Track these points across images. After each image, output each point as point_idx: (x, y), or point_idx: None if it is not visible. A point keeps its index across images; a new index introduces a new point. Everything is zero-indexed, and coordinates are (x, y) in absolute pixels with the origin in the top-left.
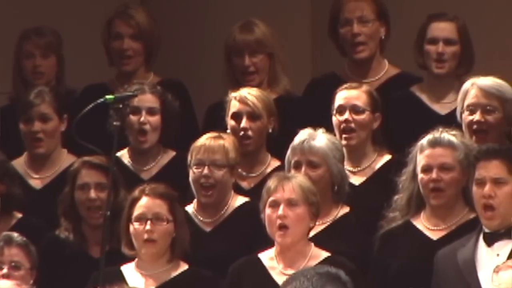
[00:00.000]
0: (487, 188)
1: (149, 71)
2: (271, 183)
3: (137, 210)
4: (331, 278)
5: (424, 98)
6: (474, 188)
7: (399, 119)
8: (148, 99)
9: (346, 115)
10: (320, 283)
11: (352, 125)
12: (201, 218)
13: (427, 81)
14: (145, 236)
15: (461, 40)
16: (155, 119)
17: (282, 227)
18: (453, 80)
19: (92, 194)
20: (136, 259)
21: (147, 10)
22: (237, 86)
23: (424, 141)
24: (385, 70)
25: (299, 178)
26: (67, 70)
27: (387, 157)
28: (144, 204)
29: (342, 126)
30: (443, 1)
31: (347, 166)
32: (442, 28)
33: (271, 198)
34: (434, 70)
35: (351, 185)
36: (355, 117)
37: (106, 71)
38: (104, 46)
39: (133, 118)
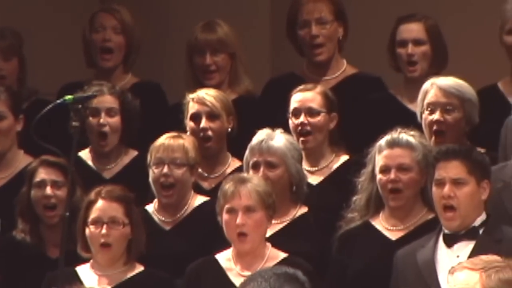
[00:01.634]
0: (446, 188)
1: (127, 72)
2: (228, 187)
3: (93, 213)
4: (289, 279)
5: (401, 99)
6: (434, 189)
7: (377, 120)
8: (107, 100)
9: (302, 118)
10: (278, 283)
11: (308, 128)
12: (161, 217)
13: (403, 82)
14: (101, 240)
15: (430, 40)
16: (115, 120)
17: (241, 234)
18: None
19: (48, 191)
20: (92, 260)
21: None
22: (198, 85)
23: (382, 141)
24: (343, 69)
25: (254, 182)
26: (41, 71)
27: (344, 157)
28: (100, 207)
29: (298, 129)
30: (408, 1)
31: (305, 166)
32: (411, 29)
33: (228, 205)
34: (407, 75)
35: (309, 185)
36: (311, 119)
37: (83, 72)
38: (83, 43)
39: (92, 120)
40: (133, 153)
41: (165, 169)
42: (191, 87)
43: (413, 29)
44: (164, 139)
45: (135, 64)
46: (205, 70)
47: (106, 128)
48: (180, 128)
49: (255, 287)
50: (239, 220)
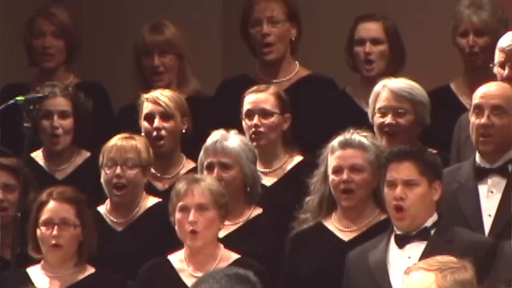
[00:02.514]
0: (398, 189)
1: (69, 72)
2: (181, 186)
3: (45, 215)
4: (240, 280)
5: (356, 98)
6: (386, 190)
7: (332, 119)
8: (59, 103)
9: (255, 119)
10: (229, 284)
11: (262, 129)
12: (113, 218)
13: (359, 82)
14: (52, 241)
15: (388, 40)
16: (67, 122)
17: (193, 232)
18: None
19: (0, 195)
20: (43, 262)
21: (68, 8)
22: (146, 87)
23: (335, 142)
24: (296, 71)
25: (208, 181)
26: None
27: (298, 158)
28: (51, 208)
29: (251, 131)
30: (364, 3)
31: (259, 167)
32: (369, 29)
33: (180, 203)
34: (364, 73)
35: (263, 186)
36: (264, 121)
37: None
38: (25, 45)
39: (45, 122)
40: (86, 154)
41: (118, 170)
42: (139, 89)
43: (371, 28)
44: (117, 140)
45: (83, 65)
46: (153, 71)
47: (59, 131)
48: (131, 128)
49: None
50: (191, 217)
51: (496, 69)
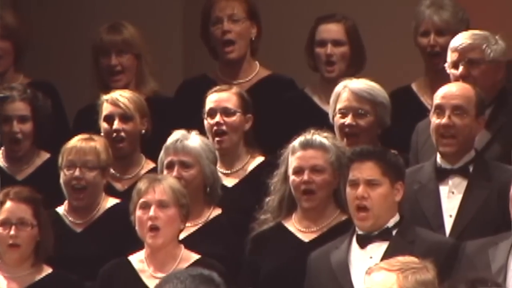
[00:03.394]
0: (360, 189)
1: (19, 72)
2: (142, 184)
3: (2, 215)
4: (204, 280)
5: (316, 99)
6: (348, 190)
7: (291, 120)
8: (18, 107)
9: (217, 118)
10: (193, 285)
11: (224, 127)
12: (72, 219)
13: (319, 83)
14: (10, 241)
15: (349, 41)
16: (27, 126)
17: (153, 228)
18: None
19: None
20: None
21: (14, 9)
22: (104, 87)
23: (296, 143)
24: (256, 71)
25: (169, 180)
26: None
27: (259, 159)
28: (8, 208)
29: (213, 129)
30: (324, 3)
31: (220, 169)
32: (330, 30)
33: (141, 200)
34: (324, 74)
35: (224, 187)
36: (226, 119)
37: None
38: None
39: (4, 127)
40: (45, 155)
41: (77, 172)
42: (97, 89)
43: (332, 30)
44: (76, 141)
45: (39, 66)
46: (110, 71)
47: (19, 135)
48: (91, 129)
49: None
50: (151, 213)
51: (449, 70)
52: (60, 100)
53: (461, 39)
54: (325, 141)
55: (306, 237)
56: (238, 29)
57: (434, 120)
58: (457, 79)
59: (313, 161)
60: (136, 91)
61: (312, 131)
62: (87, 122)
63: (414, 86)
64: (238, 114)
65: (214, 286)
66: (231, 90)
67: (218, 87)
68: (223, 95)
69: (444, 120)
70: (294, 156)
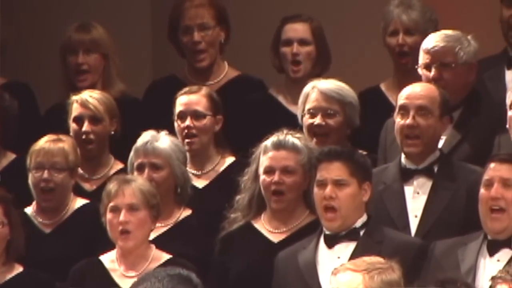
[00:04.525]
0: (328, 189)
1: None
2: (111, 187)
3: None
4: (182, 280)
5: (281, 99)
6: (315, 190)
7: (257, 121)
8: None
9: (188, 121)
10: (171, 284)
11: (194, 131)
12: (41, 220)
13: (285, 83)
14: None
15: (315, 41)
16: None
17: (124, 232)
18: (308, 81)
19: None
20: None
21: None
22: (71, 86)
23: (268, 142)
24: (225, 72)
25: (139, 182)
26: None
27: (230, 159)
28: None
29: (184, 133)
30: (292, 4)
31: (191, 169)
32: (296, 29)
33: (111, 203)
34: (290, 74)
35: (195, 188)
36: (196, 123)
37: None
38: None
39: None
40: (11, 156)
41: (45, 174)
42: (64, 88)
43: (298, 29)
44: (44, 143)
45: (11, 66)
46: (77, 70)
47: None
48: (59, 129)
49: (148, 287)
50: (122, 217)
51: (421, 71)
52: (36, 101)
53: (434, 41)
54: (297, 142)
55: (275, 238)
56: (209, 38)
57: (399, 120)
58: (428, 81)
59: (284, 162)
60: (104, 92)
61: (285, 131)
62: (56, 122)
63: (382, 86)
64: (208, 116)
65: (192, 286)
66: (200, 92)
67: (187, 89)
68: (193, 97)
69: (408, 121)
70: (265, 155)
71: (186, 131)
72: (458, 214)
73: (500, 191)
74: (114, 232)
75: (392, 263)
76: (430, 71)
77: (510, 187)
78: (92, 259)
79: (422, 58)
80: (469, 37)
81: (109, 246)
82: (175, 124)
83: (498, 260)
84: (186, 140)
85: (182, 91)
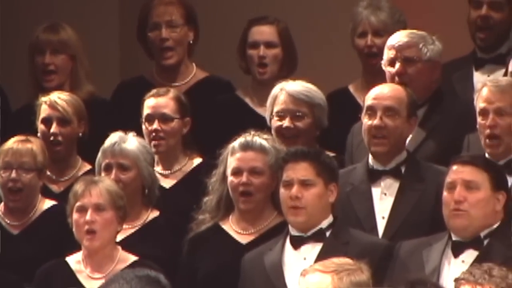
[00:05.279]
0: (294, 189)
1: None
2: (78, 187)
3: None
4: (151, 281)
5: (248, 101)
6: (282, 190)
7: (224, 122)
8: None
9: (155, 125)
10: (139, 286)
11: (162, 134)
12: (8, 221)
13: (251, 85)
14: None
15: (282, 43)
16: None
17: (90, 232)
18: (275, 83)
19: None
20: None
21: None
22: (38, 87)
23: (235, 143)
24: (193, 74)
25: (106, 182)
26: None
27: (197, 160)
28: None
29: (152, 136)
30: (260, 5)
31: (159, 170)
32: (262, 32)
33: (78, 203)
34: (257, 76)
35: (162, 188)
36: (164, 126)
37: None
38: None
39: None
40: None
41: (13, 174)
42: (31, 89)
43: (265, 32)
44: (12, 143)
45: None
46: (44, 70)
47: None
48: (27, 129)
49: None
50: (88, 217)
51: (385, 68)
52: (7, 100)
53: (398, 37)
54: (265, 143)
55: (243, 239)
56: (176, 36)
57: (366, 121)
58: (392, 76)
59: (252, 163)
60: (71, 93)
61: (252, 132)
62: (24, 122)
63: (351, 88)
64: (176, 120)
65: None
66: (168, 95)
67: (155, 91)
68: (161, 100)
69: (375, 121)
70: (233, 157)
71: (153, 134)
72: (426, 215)
73: (463, 193)
74: (80, 232)
75: (361, 264)
76: (394, 67)
77: (473, 190)
78: (58, 260)
79: (387, 54)
80: (434, 37)
81: (77, 247)
82: (143, 127)
83: (463, 261)
84: (153, 143)
85: (150, 94)
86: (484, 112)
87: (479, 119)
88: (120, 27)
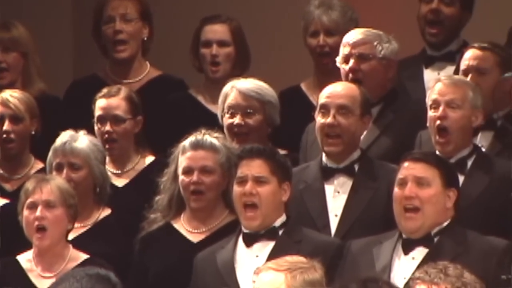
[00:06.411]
0: (248, 186)
1: None
2: (29, 184)
3: None
4: (101, 279)
5: (201, 99)
6: (235, 187)
7: (177, 121)
8: None
9: (108, 126)
10: (89, 284)
11: (114, 135)
12: None
13: (204, 83)
14: None
15: (234, 42)
16: None
17: (40, 229)
18: (228, 81)
19: None
20: None
21: None
22: None
23: (186, 142)
24: (147, 72)
25: (57, 180)
26: None
27: (150, 159)
28: None
29: (104, 137)
30: (213, 4)
31: (111, 169)
32: (215, 30)
33: (29, 200)
34: (209, 75)
35: (115, 187)
36: (116, 127)
37: None
38: None
39: None
40: None
41: None
42: None
43: (217, 30)
44: None
45: None
46: None
47: None
48: None
49: (67, 287)
50: (38, 213)
51: (340, 66)
52: None
53: (354, 34)
54: (215, 142)
55: (194, 238)
56: (130, 29)
57: (319, 119)
58: (347, 73)
59: (203, 162)
60: (23, 91)
61: (203, 131)
62: None
63: (303, 86)
64: (128, 121)
65: (110, 286)
66: (119, 95)
67: (106, 91)
68: (112, 101)
69: (329, 120)
70: (184, 156)
71: (106, 135)
72: (379, 214)
73: (414, 190)
74: (31, 229)
75: (314, 263)
76: (348, 64)
77: (424, 186)
78: (9, 259)
79: (342, 51)
80: (390, 36)
81: (28, 246)
82: (95, 127)
83: (413, 258)
84: (107, 146)
85: (101, 94)
86: (435, 104)
87: (430, 113)
88: (74, 25)
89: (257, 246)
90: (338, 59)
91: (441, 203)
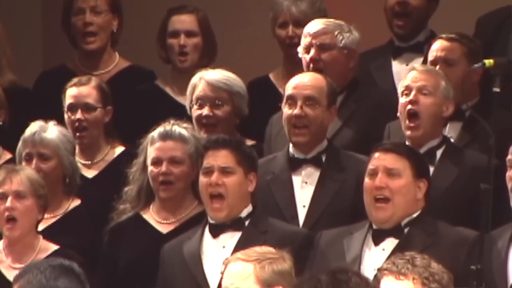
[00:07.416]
0: (214, 176)
1: None
2: None
3: None
4: (65, 270)
5: (168, 90)
6: (201, 177)
7: (145, 112)
8: None
9: (78, 114)
10: (53, 275)
11: (85, 123)
12: None
13: (171, 74)
14: None
15: (202, 32)
16: None
17: (10, 219)
18: (195, 72)
19: None
20: None
21: None
22: None
23: (155, 133)
24: (116, 63)
25: (27, 171)
26: None
27: (120, 149)
28: None
29: (75, 125)
30: None
31: (81, 160)
32: (183, 21)
33: None
34: (177, 64)
35: (85, 178)
36: (87, 115)
37: None
38: None
39: None
40: None
41: None
42: None
43: (185, 21)
44: None
45: None
46: None
47: None
48: None
49: (31, 279)
50: (8, 203)
51: (302, 55)
52: None
53: (314, 24)
54: (184, 132)
55: (164, 229)
56: (100, 21)
57: (286, 110)
58: (308, 63)
59: (171, 152)
60: None
61: (171, 121)
62: None
63: (272, 76)
64: (99, 109)
65: (74, 276)
66: (90, 84)
67: (77, 80)
68: (83, 89)
69: (296, 111)
70: (153, 146)
71: (77, 124)
72: (346, 204)
73: (385, 180)
74: (0, 220)
75: (283, 253)
76: (309, 53)
77: (394, 177)
78: None
79: (303, 42)
80: (351, 26)
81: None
82: (65, 116)
83: (384, 249)
84: (77, 134)
85: (72, 82)
86: (407, 90)
87: (401, 99)
88: (43, 16)
89: (223, 237)
90: (300, 49)
91: (412, 194)
